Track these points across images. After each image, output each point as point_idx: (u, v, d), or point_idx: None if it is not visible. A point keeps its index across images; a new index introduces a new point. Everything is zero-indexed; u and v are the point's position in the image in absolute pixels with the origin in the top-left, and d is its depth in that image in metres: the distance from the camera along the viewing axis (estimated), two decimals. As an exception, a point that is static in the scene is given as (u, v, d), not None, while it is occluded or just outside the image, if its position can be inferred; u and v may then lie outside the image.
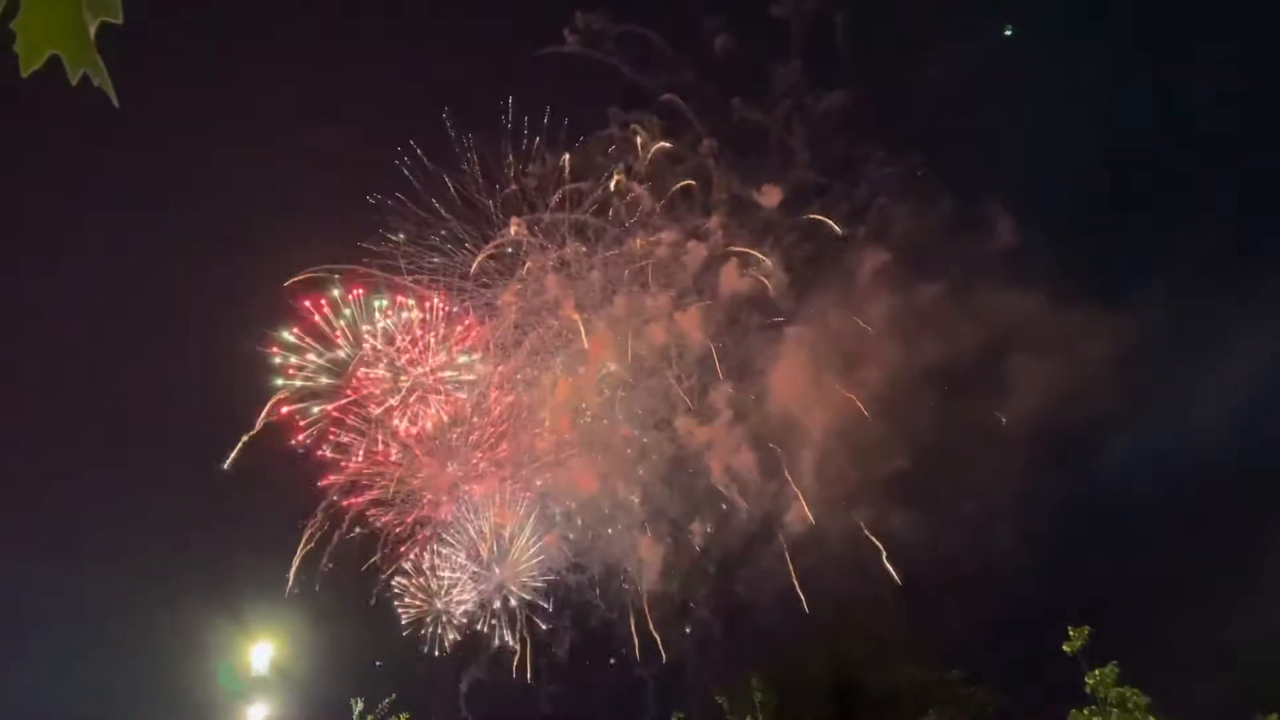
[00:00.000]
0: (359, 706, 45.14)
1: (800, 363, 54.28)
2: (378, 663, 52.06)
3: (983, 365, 51.49)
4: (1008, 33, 55.19)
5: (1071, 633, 36.05)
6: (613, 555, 54.51)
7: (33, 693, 48.72)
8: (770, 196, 53.80)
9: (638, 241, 54.72)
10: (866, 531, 49.36)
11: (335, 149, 54.92)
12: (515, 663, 53.88)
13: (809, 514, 50.82)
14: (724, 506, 53.69)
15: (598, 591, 54.14)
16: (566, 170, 53.16)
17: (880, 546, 48.72)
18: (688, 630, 52.01)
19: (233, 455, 49.83)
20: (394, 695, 47.26)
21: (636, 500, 54.64)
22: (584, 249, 54.60)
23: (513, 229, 53.64)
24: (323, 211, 54.01)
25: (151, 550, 50.22)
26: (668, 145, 53.91)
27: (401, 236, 52.26)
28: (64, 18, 3.21)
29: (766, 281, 53.88)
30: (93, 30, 3.29)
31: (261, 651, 38.14)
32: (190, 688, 45.09)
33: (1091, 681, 35.23)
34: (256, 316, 52.19)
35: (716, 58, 52.74)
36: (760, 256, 54.06)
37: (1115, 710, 34.28)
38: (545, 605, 54.94)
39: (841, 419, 52.04)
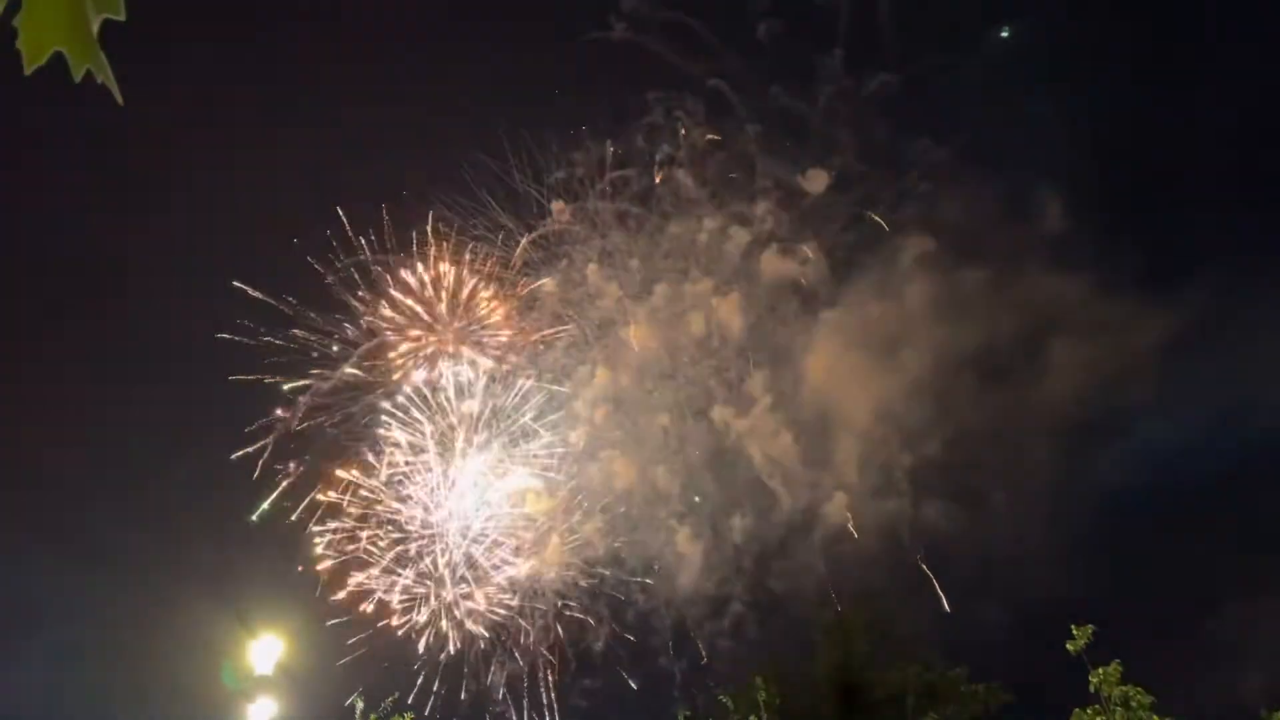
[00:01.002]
0: (360, 705, 45.21)
1: (842, 350, 54.20)
2: (384, 664, 52.13)
3: (1025, 354, 51.48)
4: (1004, 34, 54.97)
5: (1075, 631, 36.01)
6: (650, 547, 54.29)
7: (33, 692, 48.84)
8: (815, 182, 53.82)
9: (680, 229, 54.79)
10: (902, 525, 49.49)
11: (374, 140, 54.81)
12: (542, 658, 53.58)
13: (848, 505, 50.88)
14: (764, 498, 53.60)
15: (628, 585, 53.93)
16: (609, 158, 53.37)
17: (918, 542, 48.85)
18: (724, 625, 51.72)
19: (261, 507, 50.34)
20: (396, 694, 47.34)
21: (675, 491, 54.53)
22: (626, 237, 54.69)
23: (555, 216, 53.77)
24: (361, 202, 53.77)
25: (154, 548, 50.35)
26: (711, 133, 54.07)
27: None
28: (67, 14, 3.19)
29: (808, 268, 53.86)
30: (96, 27, 3.27)
31: (265, 650, 38.05)
32: (193, 686, 45.16)
33: (1095, 680, 35.20)
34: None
35: (761, 44, 53.15)
36: (803, 244, 54.06)
37: (1119, 709, 34.26)
38: (579, 601, 54.55)
39: (882, 408, 52.04)
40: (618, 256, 55.01)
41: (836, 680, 44.15)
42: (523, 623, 53.64)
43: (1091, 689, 35.49)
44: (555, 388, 54.32)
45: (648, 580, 53.43)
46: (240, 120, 56.69)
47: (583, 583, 54.25)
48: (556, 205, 53.73)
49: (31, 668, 49.66)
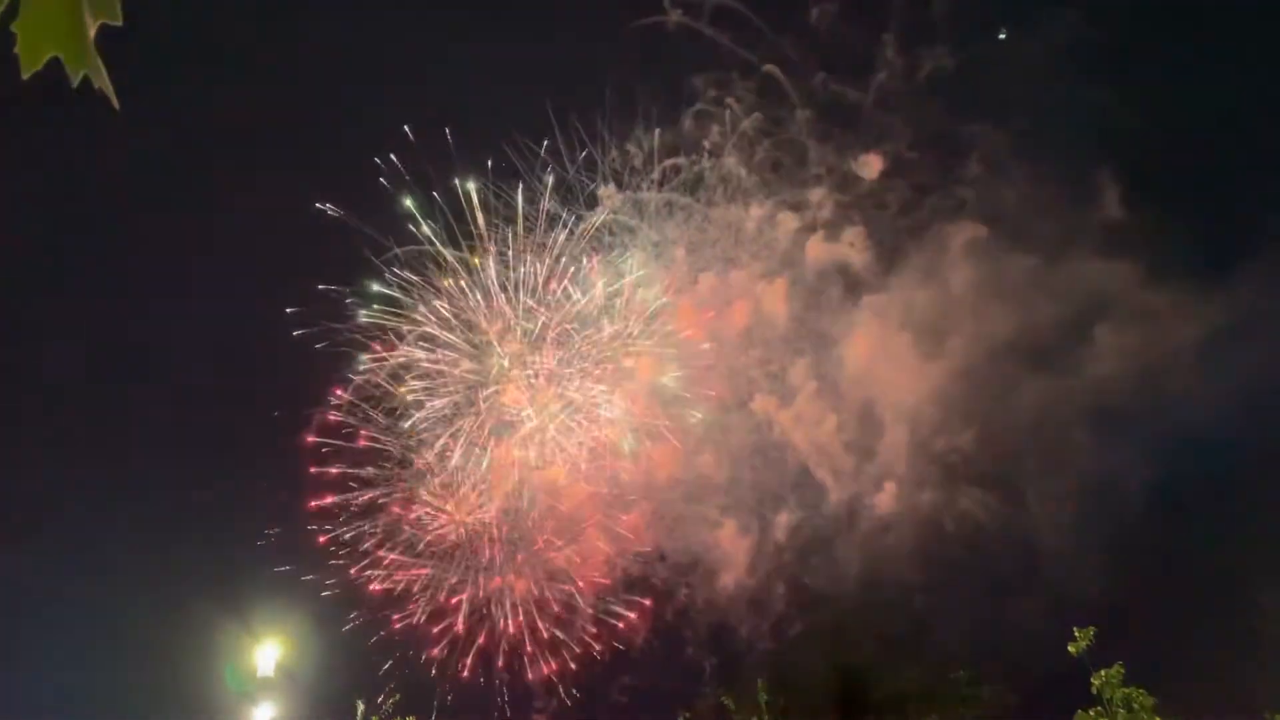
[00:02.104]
0: (361, 708, 45.25)
1: (889, 337, 53.90)
2: (388, 663, 52.07)
3: (1071, 340, 51.09)
4: (1002, 36, 54.56)
5: (1077, 633, 35.93)
6: (693, 541, 53.84)
7: (37, 694, 48.85)
8: (868, 167, 53.58)
9: (729, 215, 54.57)
10: (946, 516, 49.12)
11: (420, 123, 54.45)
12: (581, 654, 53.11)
13: (897, 495, 50.54)
14: (810, 490, 53.22)
15: (662, 579, 53.41)
16: (655, 147, 53.24)
17: (959, 533, 48.47)
18: (764, 623, 51.34)
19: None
20: (398, 695, 47.34)
21: (719, 484, 54.15)
22: (674, 225, 54.48)
23: (605, 203, 53.61)
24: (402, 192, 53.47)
25: (157, 551, 50.35)
26: (763, 119, 53.84)
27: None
28: (64, 20, 3.23)
29: (858, 254, 53.56)
30: (93, 32, 3.31)
31: (268, 653, 38.06)
32: (196, 689, 45.19)
33: (1097, 682, 35.12)
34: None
35: (814, 29, 53.41)
36: (854, 229, 53.77)
37: (1121, 711, 34.18)
38: (622, 597, 54.09)
39: (928, 396, 51.64)
40: (665, 245, 54.92)
41: (838, 682, 44.06)
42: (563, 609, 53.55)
43: (1094, 691, 35.40)
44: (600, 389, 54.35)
45: (688, 580, 53.14)
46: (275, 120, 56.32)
47: (624, 577, 54.07)
48: (604, 191, 53.72)
49: (36, 671, 49.73)
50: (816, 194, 54.76)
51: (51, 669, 49.93)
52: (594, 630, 52.79)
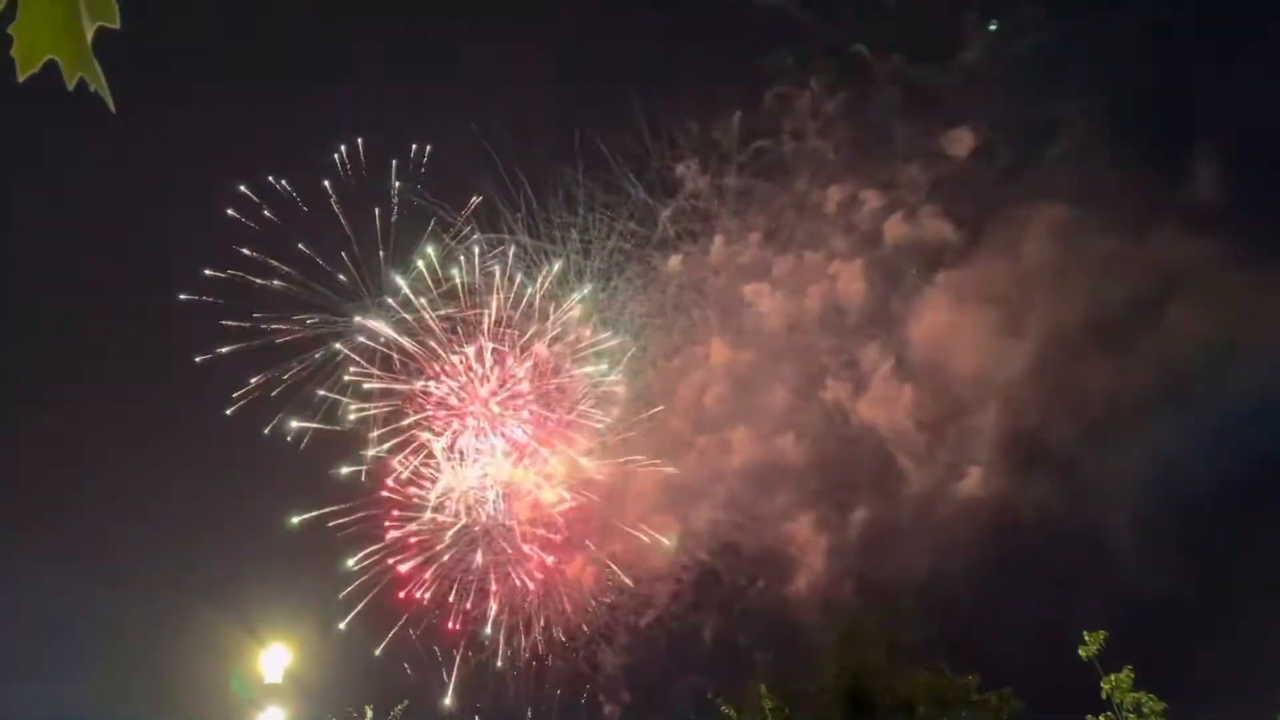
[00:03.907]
0: (370, 714, 45.15)
1: (968, 320, 53.29)
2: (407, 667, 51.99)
3: (1148, 323, 50.31)
4: (992, 27, 54.08)
5: (1087, 637, 35.64)
6: (763, 533, 53.24)
7: (41, 700, 48.89)
8: (957, 145, 52.99)
9: (810, 196, 54.07)
10: (1024, 505, 48.33)
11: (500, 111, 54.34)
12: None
13: (981, 482, 49.90)
14: (890, 479, 52.68)
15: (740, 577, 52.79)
16: (738, 128, 52.98)
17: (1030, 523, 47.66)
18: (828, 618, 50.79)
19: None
20: (406, 702, 47.23)
21: (792, 471, 53.46)
22: (754, 208, 54.15)
23: (687, 188, 53.44)
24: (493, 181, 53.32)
25: (162, 556, 50.43)
26: (847, 98, 53.44)
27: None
28: (61, 22, 3.24)
29: (943, 235, 53.03)
30: (90, 35, 3.31)
31: (274, 658, 38.02)
32: (202, 695, 45.19)
33: (1107, 687, 34.83)
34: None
35: (900, 5, 53.27)
36: (939, 210, 53.25)
37: (1131, 716, 33.89)
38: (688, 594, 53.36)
39: (1006, 382, 50.87)
40: (744, 229, 54.45)
41: (844, 688, 43.76)
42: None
43: (1103, 696, 35.10)
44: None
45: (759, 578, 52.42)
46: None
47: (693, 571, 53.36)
48: (684, 169, 53.43)
49: (42, 678, 49.80)
50: (898, 173, 54.31)
51: (55, 675, 50.03)
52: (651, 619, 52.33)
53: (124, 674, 48.58)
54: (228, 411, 52.71)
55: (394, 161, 53.13)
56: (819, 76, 53.20)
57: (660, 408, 53.50)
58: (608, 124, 53.04)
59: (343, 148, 52.63)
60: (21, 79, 3.21)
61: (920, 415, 52.80)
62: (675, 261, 54.23)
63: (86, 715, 49.98)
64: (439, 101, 55.76)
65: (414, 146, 52.85)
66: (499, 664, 52.48)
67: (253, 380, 52.58)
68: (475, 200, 53.00)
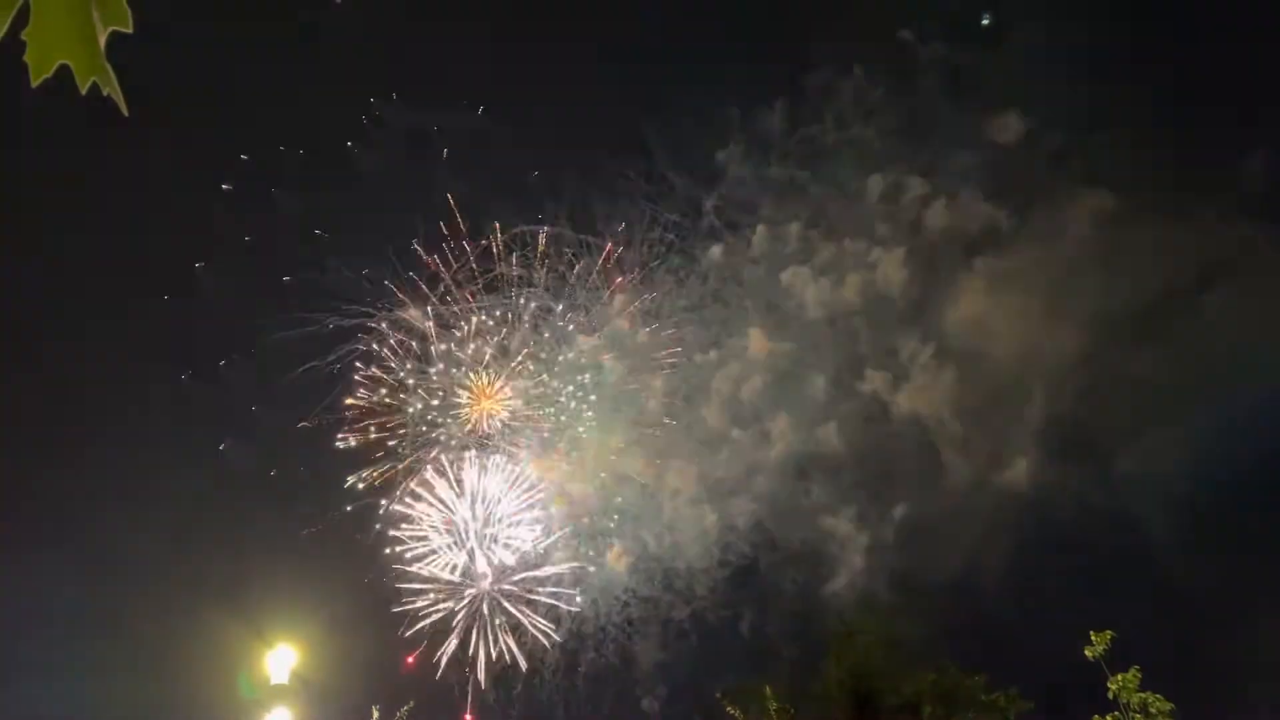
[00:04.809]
0: (377, 715, 45.24)
1: (1011, 309, 52.81)
2: (437, 674, 51.87)
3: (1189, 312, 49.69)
4: (985, 22, 53.70)
5: (1094, 637, 35.54)
6: (801, 526, 52.80)
7: (50, 700, 48.98)
8: (1004, 132, 52.51)
9: (852, 185, 54.00)
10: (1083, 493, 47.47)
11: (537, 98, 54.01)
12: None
13: (1028, 472, 49.48)
14: (931, 472, 52.29)
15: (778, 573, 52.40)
16: (779, 119, 52.67)
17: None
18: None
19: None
20: (412, 703, 47.28)
21: (828, 464, 53.09)
22: (794, 196, 53.81)
23: (730, 176, 53.22)
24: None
25: (168, 557, 50.50)
26: (890, 86, 53.23)
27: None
28: (74, 27, 3.25)
29: (988, 222, 52.55)
30: (103, 40, 3.33)
31: (281, 659, 38.07)
32: (209, 696, 45.27)
33: (1114, 687, 34.73)
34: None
35: None
36: (982, 197, 52.93)
37: (1138, 716, 33.80)
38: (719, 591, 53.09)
39: (1048, 369, 50.10)
40: (782, 219, 54.21)
41: (850, 688, 43.62)
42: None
43: (1110, 696, 35.00)
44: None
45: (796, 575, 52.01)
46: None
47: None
48: (725, 156, 53.04)
49: (50, 678, 49.87)
50: (943, 160, 54.10)
51: (64, 676, 50.11)
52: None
53: (132, 675, 48.67)
54: (253, 408, 53.10)
55: (445, 150, 52.84)
56: (863, 64, 53.01)
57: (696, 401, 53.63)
58: (650, 114, 52.75)
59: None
60: (35, 84, 3.23)
61: (961, 403, 52.46)
62: (716, 251, 54.20)
63: (95, 715, 50.11)
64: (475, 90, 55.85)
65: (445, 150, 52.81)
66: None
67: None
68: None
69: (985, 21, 53.94)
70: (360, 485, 53.37)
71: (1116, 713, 34.75)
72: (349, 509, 53.24)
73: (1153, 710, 33.46)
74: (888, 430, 53.68)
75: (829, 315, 54.04)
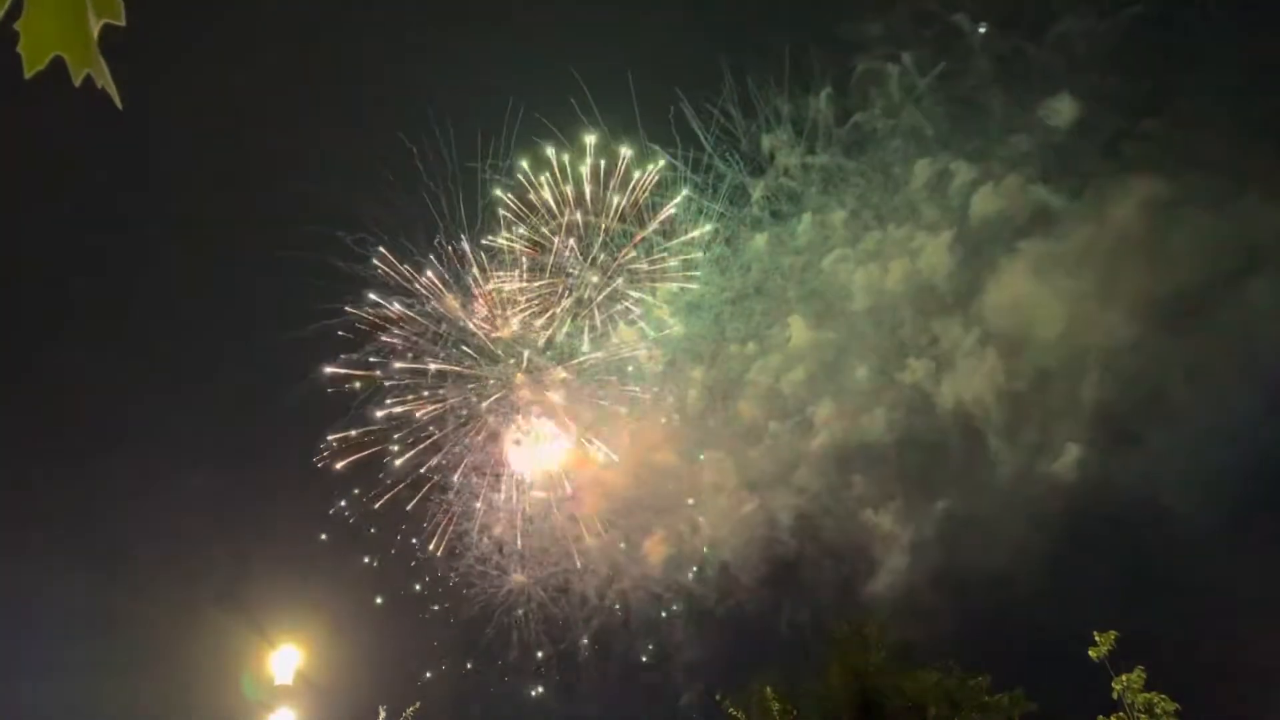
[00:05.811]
0: (383, 715, 45.22)
1: (1057, 296, 52.50)
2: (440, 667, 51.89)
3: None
4: (981, 30, 53.38)
5: (1098, 637, 35.43)
6: (842, 519, 52.75)
7: (52, 701, 49.07)
8: (1056, 117, 52.38)
9: (899, 169, 53.84)
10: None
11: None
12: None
13: (1078, 460, 49.34)
14: (979, 465, 52.14)
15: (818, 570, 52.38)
16: (827, 102, 52.59)
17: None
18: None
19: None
20: (419, 703, 47.27)
21: (872, 456, 53.22)
22: (840, 182, 53.83)
23: (778, 164, 53.07)
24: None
25: (171, 557, 50.58)
26: (941, 69, 52.96)
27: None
28: (67, 19, 3.26)
29: (1028, 209, 52.28)
30: (96, 32, 3.33)
31: (285, 659, 38.10)
32: (212, 697, 45.32)
33: (1119, 687, 34.63)
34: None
35: None
36: (1031, 182, 52.59)
37: (1143, 716, 33.69)
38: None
39: (1097, 356, 50.10)
40: (831, 207, 54.27)
41: (853, 689, 43.51)
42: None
43: (1115, 696, 34.90)
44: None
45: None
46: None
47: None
48: (773, 142, 53.01)
49: (53, 678, 49.97)
50: (993, 145, 53.73)
51: (66, 676, 50.21)
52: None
53: (135, 675, 48.75)
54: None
55: (480, 130, 52.52)
56: (912, 50, 52.73)
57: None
58: (696, 99, 52.49)
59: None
60: (29, 75, 3.23)
61: (1005, 390, 52.08)
62: (760, 240, 54.01)
63: (96, 716, 50.20)
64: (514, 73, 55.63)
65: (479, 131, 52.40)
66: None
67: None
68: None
69: (982, 29, 53.59)
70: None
71: (1120, 713, 34.65)
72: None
73: (1158, 711, 33.36)
74: (931, 416, 53.19)
75: (874, 305, 53.64)
